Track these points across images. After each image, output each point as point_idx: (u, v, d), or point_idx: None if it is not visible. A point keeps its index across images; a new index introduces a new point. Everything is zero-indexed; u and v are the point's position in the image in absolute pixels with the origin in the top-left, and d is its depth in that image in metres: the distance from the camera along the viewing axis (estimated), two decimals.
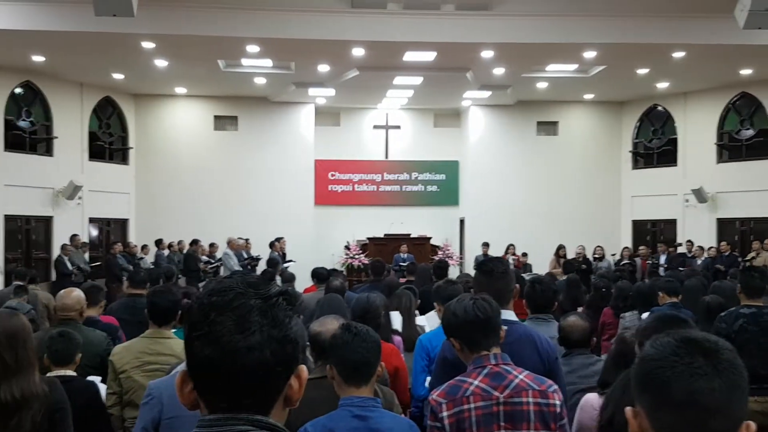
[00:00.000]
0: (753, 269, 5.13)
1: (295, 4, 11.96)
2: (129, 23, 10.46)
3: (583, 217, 18.22)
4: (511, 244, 16.23)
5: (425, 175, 19.47)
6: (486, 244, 16.36)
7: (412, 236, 17.10)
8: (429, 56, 13.60)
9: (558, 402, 2.58)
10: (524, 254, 16.01)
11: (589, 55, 13.68)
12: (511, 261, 15.41)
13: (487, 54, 13.51)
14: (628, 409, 1.32)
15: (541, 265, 15.35)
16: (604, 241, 16.69)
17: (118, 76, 15.60)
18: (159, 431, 2.93)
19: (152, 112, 17.68)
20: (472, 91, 16.71)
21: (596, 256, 15.53)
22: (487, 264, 3.25)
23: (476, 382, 2.55)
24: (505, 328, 2.77)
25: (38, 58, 13.83)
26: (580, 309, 7.73)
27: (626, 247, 16.84)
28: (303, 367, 1.25)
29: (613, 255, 16.31)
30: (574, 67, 15.13)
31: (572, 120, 18.89)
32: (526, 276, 10.40)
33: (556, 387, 2.62)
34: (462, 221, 19.24)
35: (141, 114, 17.68)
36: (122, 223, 17.49)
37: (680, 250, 15.91)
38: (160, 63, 14.20)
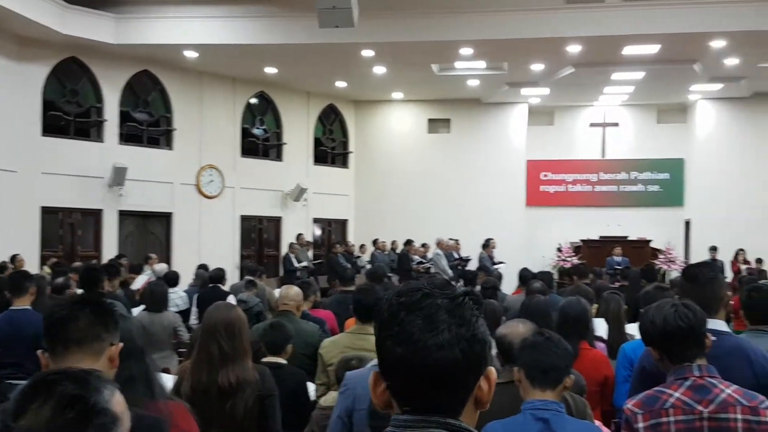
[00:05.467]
0: None
1: (509, 3, 11.89)
2: (350, 33, 11.00)
3: None
4: (741, 249, 14.79)
5: (646, 174, 18.37)
6: (714, 248, 15.05)
7: (629, 239, 16.26)
8: (652, 49, 12.85)
9: None
10: (759, 260, 14.56)
11: None
12: (744, 269, 14.09)
13: (718, 44, 12.45)
14: None
15: None
16: None
17: (340, 84, 16.50)
18: (353, 420, 3.07)
19: (370, 118, 18.46)
20: (700, 84, 15.49)
21: None
22: (692, 269, 2.99)
23: (677, 394, 2.39)
24: (713, 338, 2.56)
25: (271, 70, 15.04)
26: None
27: None
28: (492, 369, 1.25)
29: None
30: None
31: None
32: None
33: None
34: (688, 223, 17.90)
35: (360, 119, 18.54)
36: (342, 223, 18.48)
37: None
38: (379, 70, 14.80)
